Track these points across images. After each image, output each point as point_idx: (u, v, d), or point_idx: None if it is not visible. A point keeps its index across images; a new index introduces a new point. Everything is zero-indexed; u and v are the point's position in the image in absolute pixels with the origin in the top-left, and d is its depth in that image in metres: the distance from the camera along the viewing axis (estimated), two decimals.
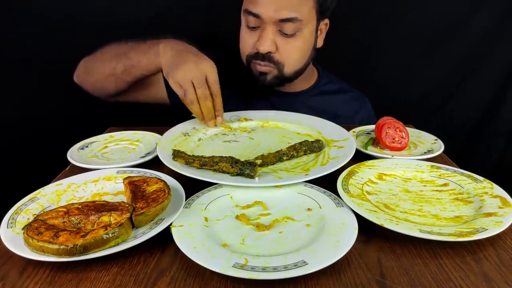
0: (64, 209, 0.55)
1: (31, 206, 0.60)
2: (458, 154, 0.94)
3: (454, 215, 0.59)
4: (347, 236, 0.52)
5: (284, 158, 0.75)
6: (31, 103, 1.29)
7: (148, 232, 0.52)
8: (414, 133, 0.90)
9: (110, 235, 0.49)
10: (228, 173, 0.68)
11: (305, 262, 0.47)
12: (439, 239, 0.51)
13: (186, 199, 0.61)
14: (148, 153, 0.80)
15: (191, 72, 0.80)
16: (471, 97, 1.39)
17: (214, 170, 0.69)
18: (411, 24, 1.34)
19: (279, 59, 0.96)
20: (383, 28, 1.34)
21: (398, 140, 0.81)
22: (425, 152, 0.80)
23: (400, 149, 0.81)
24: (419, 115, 1.38)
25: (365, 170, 0.71)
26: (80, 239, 0.48)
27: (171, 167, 0.69)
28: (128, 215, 0.53)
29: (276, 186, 0.65)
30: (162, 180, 0.62)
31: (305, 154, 0.77)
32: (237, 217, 0.58)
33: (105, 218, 0.53)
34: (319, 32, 1.01)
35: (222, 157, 0.69)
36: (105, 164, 0.76)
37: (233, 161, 0.67)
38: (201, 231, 0.54)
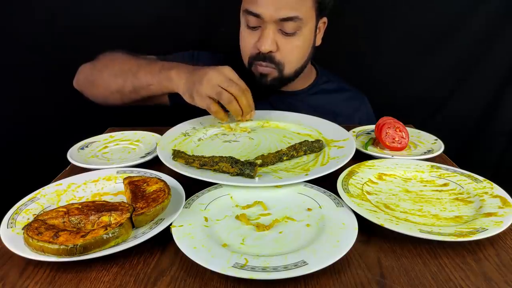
0: (64, 209, 0.55)
1: (31, 206, 0.60)
2: (458, 154, 0.94)
3: (454, 215, 0.59)
4: (347, 236, 0.52)
5: (284, 158, 0.75)
6: (32, 103, 1.29)
7: (148, 232, 0.52)
8: (414, 133, 0.90)
9: (110, 235, 0.49)
10: (228, 173, 0.68)
11: (305, 262, 0.47)
12: (439, 239, 0.51)
13: (186, 199, 0.61)
14: (148, 153, 0.80)
15: (215, 78, 0.81)
16: (471, 97, 1.39)
17: (214, 170, 0.69)
18: (411, 23, 1.34)
19: (280, 59, 0.96)
20: (383, 27, 1.34)
21: (398, 140, 0.81)
22: (425, 152, 0.80)
23: (400, 149, 0.81)
24: (419, 115, 1.38)
25: (365, 170, 0.71)
26: (80, 239, 0.48)
27: (171, 167, 0.69)
28: (128, 215, 0.53)
29: (276, 186, 0.65)
30: (162, 180, 0.62)
31: (305, 154, 0.77)
32: (237, 217, 0.58)
33: (105, 218, 0.53)
34: (317, 30, 1.02)
35: (222, 157, 0.69)
36: (105, 164, 0.76)
37: (233, 161, 0.67)
38: (201, 231, 0.54)
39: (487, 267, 0.49)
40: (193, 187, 0.64)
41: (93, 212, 0.54)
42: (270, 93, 1.07)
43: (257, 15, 0.91)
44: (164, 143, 0.80)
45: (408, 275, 0.48)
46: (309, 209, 0.60)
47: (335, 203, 0.60)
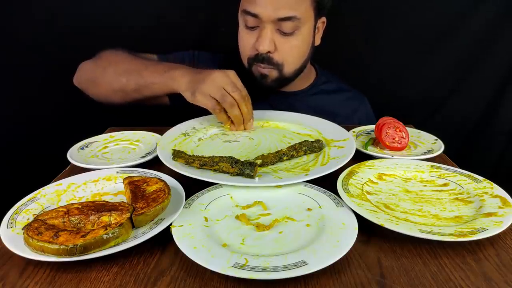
0: (64, 209, 0.55)
1: (31, 206, 0.60)
2: (458, 154, 0.94)
3: (454, 215, 0.59)
4: (347, 236, 0.52)
5: (284, 158, 0.75)
6: (32, 103, 1.29)
7: (148, 232, 0.52)
8: (414, 133, 0.90)
9: (110, 235, 0.49)
10: (228, 173, 0.68)
11: (305, 262, 0.47)
12: (439, 239, 0.51)
13: (186, 199, 0.61)
14: (148, 153, 0.80)
15: (220, 80, 0.81)
16: (471, 96, 1.39)
17: (214, 170, 0.69)
18: (410, 23, 1.34)
19: (278, 60, 0.96)
20: (382, 27, 1.34)
21: (398, 140, 0.81)
22: (425, 152, 0.80)
23: (400, 149, 0.81)
24: (419, 115, 1.38)
25: (365, 170, 0.71)
26: (80, 239, 0.48)
27: (171, 167, 0.69)
28: (128, 215, 0.53)
29: (276, 186, 0.65)
30: (162, 180, 0.62)
31: (305, 154, 0.77)
32: (237, 217, 0.58)
33: (105, 218, 0.53)
34: (316, 30, 1.02)
35: (222, 157, 0.69)
36: (105, 164, 0.76)
37: (233, 161, 0.67)
38: (201, 231, 0.54)
39: (487, 267, 0.49)
40: (193, 187, 0.64)
41: (93, 212, 0.54)
42: (270, 94, 1.07)
43: (255, 15, 0.92)
44: (164, 143, 0.80)
45: (408, 275, 0.48)
46: (309, 209, 0.60)
47: (335, 203, 0.60)
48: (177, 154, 0.72)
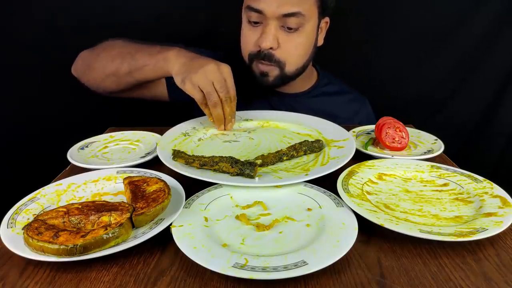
0: (64, 209, 0.55)
1: (31, 206, 0.60)
2: (458, 154, 0.94)
3: (454, 215, 0.59)
4: (347, 236, 0.52)
5: (284, 158, 0.75)
6: (32, 103, 1.29)
7: (148, 232, 0.52)
8: (414, 133, 0.90)
9: (110, 235, 0.49)
10: (228, 173, 0.68)
11: (305, 262, 0.47)
12: (439, 239, 0.51)
13: (186, 199, 0.61)
14: (148, 153, 0.80)
15: (212, 74, 0.79)
16: (471, 97, 1.39)
17: (214, 170, 0.69)
18: (411, 24, 1.34)
19: (280, 57, 0.96)
20: (383, 27, 1.34)
21: (398, 140, 0.81)
22: (425, 152, 0.80)
23: (400, 149, 0.81)
24: (419, 115, 1.37)
25: (365, 170, 0.71)
26: (80, 239, 0.48)
27: (171, 167, 0.69)
28: (128, 215, 0.53)
29: (276, 186, 0.65)
30: (162, 180, 0.62)
31: (305, 154, 0.77)
32: (237, 217, 0.58)
33: (105, 218, 0.53)
34: (319, 30, 1.01)
35: (222, 157, 0.69)
36: (105, 164, 0.76)
37: (233, 161, 0.67)
38: (201, 231, 0.54)
39: (487, 267, 0.49)
40: (193, 187, 0.64)
41: (93, 212, 0.54)
42: (271, 95, 1.07)
43: (259, 11, 0.91)
44: (164, 143, 0.80)
45: (408, 275, 0.48)
46: (309, 209, 0.60)
47: (335, 203, 0.60)
48: (177, 154, 0.72)
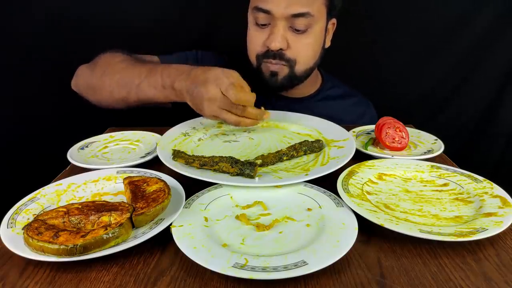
0: (64, 209, 0.55)
1: (31, 206, 0.60)
2: (458, 154, 0.94)
3: (454, 215, 0.59)
4: (347, 236, 0.52)
5: (284, 158, 0.75)
6: (31, 103, 1.29)
7: (148, 232, 0.52)
8: (414, 133, 0.90)
9: (110, 235, 0.49)
10: (228, 173, 0.68)
11: (305, 262, 0.47)
12: (439, 239, 0.51)
13: (186, 199, 0.61)
14: (148, 153, 0.80)
15: (217, 101, 0.77)
16: (471, 97, 1.39)
17: (214, 170, 0.69)
18: (412, 24, 1.34)
19: (290, 56, 0.95)
20: (383, 28, 1.34)
21: (398, 140, 0.81)
22: (425, 152, 0.80)
23: (400, 149, 0.81)
24: (419, 115, 1.38)
25: (365, 170, 0.71)
26: (80, 239, 0.48)
27: (171, 167, 0.69)
28: (128, 215, 0.53)
29: (276, 186, 0.65)
30: (162, 180, 0.62)
31: (305, 154, 0.77)
32: (237, 217, 0.58)
33: (105, 218, 0.53)
34: (327, 31, 1.01)
35: (222, 157, 0.69)
36: (105, 164, 0.76)
37: (233, 161, 0.67)
38: (201, 231, 0.54)
39: (487, 267, 0.49)
40: (193, 187, 0.64)
41: (93, 212, 0.54)
42: (275, 99, 1.05)
43: (267, 12, 0.90)
44: (164, 143, 0.80)
45: (408, 275, 0.48)
46: (309, 209, 0.60)
47: (335, 203, 0.60)
48: (177, 154, 0.72)
